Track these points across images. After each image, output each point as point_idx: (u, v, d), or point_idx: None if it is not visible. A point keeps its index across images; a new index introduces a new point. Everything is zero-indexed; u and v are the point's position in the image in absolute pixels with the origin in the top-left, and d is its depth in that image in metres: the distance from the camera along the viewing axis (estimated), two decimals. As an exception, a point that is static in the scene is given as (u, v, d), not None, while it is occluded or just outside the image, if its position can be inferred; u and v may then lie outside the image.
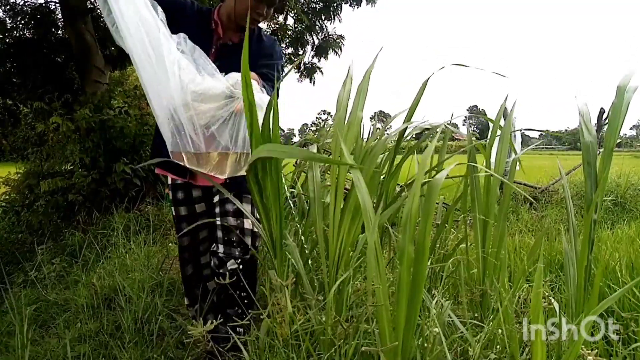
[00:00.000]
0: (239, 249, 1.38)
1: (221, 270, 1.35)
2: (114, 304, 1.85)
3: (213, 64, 1.17)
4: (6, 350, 1.60)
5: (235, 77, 1.14)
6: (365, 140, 1.31)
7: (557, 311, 0.94)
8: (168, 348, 1.48)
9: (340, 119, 1.10)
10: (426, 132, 1.42)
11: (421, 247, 0.71)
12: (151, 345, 1.49)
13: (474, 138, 1.32)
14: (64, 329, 1.69)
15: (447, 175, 1.48)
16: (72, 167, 3.52)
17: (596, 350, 1.01)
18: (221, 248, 1.37)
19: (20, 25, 4.37)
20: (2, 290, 2.08)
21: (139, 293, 1.78)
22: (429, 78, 1.20)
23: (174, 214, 1.50)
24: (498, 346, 0.92)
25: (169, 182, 1.47)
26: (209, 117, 1.14)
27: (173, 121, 1.14)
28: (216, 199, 1.43)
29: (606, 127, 0.96)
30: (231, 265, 1.35)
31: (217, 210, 1.42)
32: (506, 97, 1.35)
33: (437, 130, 1.22)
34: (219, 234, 1.40)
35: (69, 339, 1.52)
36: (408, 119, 1.25)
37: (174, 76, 1.07)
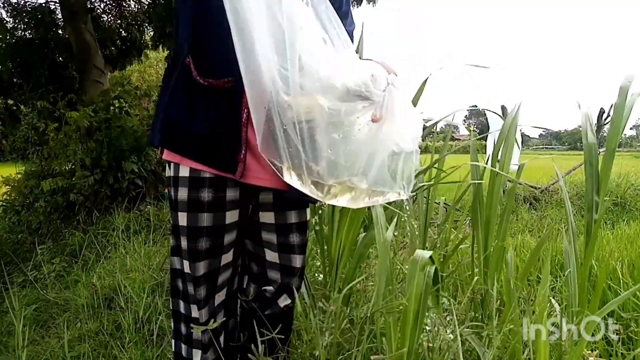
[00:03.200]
0: (297, 277, 1.00)
1: (267, 312, 0.98)
2: (114, 304, 1.85)
3: (346, 32, 0.72)
4: (6, 350, 1.60)
5: (375, 69, 0.69)
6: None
7: (558, 311, 0.94)
8: (168, 348, 1.48)
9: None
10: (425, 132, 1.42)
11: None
12: (151, 345, 1.49)
13: (474, 138, 1.32)
14: (64, 329, 1.69)
15: (445, 173, 1.48)
16: (73, 167, 3.53)
17: (596, 350, 1.01)
18: (272, 285, 0.99)
19: (22, 25, 4.37)
20: (2, 290, 2.08)
21: (139, 293, 1.78)
22: (425, 80, 1.20)
23: (183, 223, 0.87)
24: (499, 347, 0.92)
25: (182, 173, 0.86)
26: (329, 117, 0.67)
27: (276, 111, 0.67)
28: (267, 217, 0.95)
29: (607, 127, 0.96)
30: (284, 301, 0.99)
31: (270, 237, 0.96)
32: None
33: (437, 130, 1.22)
34: (272, 273, 0.98)
35: (69, 338, 1.52)
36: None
37: (294, 38, 0.64)
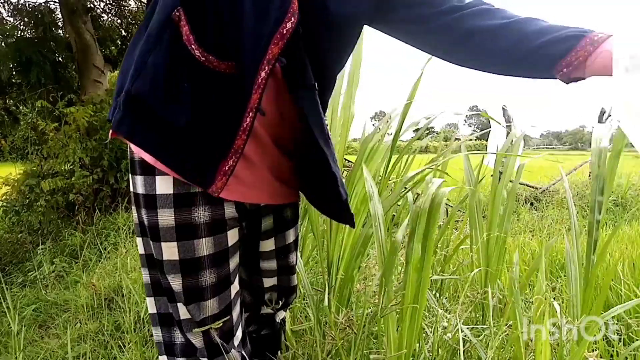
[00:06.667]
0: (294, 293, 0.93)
1: (264, 332, 0.90)
2: (113, 304, 1.85)
3: None
4: (5, 350, 1.60)
5: None
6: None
7: (558, 312, 0.94)
8: (168, 348, 1.48)
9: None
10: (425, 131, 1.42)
11: (426, 248, 0.71)
12: (151, 346, 1.48)
13: (474, 138, 1.32)
14: (64, 329, 1.69)
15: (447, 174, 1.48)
16: (72, 167, 3.52)
17: (597, 350, 1.01)
18: (269, 305, 0.89)
19: (21, 25, 4.37)
20: (1, 290, 2.07)
21: (139, 293, 1.77)
22: (420, 76, 1.21)
23: (172, 257, 0.66)
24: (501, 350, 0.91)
25: (161, 190, 0.64)
26: None
27: None
28: (268, 245, 0.83)
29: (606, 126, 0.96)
30: (280, 316, 0.94)
31: (270, 265, 0.84)
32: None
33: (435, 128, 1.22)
34: (269, 295, 0.89)
35: (69, 339, 1.51)
36: (403, 116, 1.24)
37: None
